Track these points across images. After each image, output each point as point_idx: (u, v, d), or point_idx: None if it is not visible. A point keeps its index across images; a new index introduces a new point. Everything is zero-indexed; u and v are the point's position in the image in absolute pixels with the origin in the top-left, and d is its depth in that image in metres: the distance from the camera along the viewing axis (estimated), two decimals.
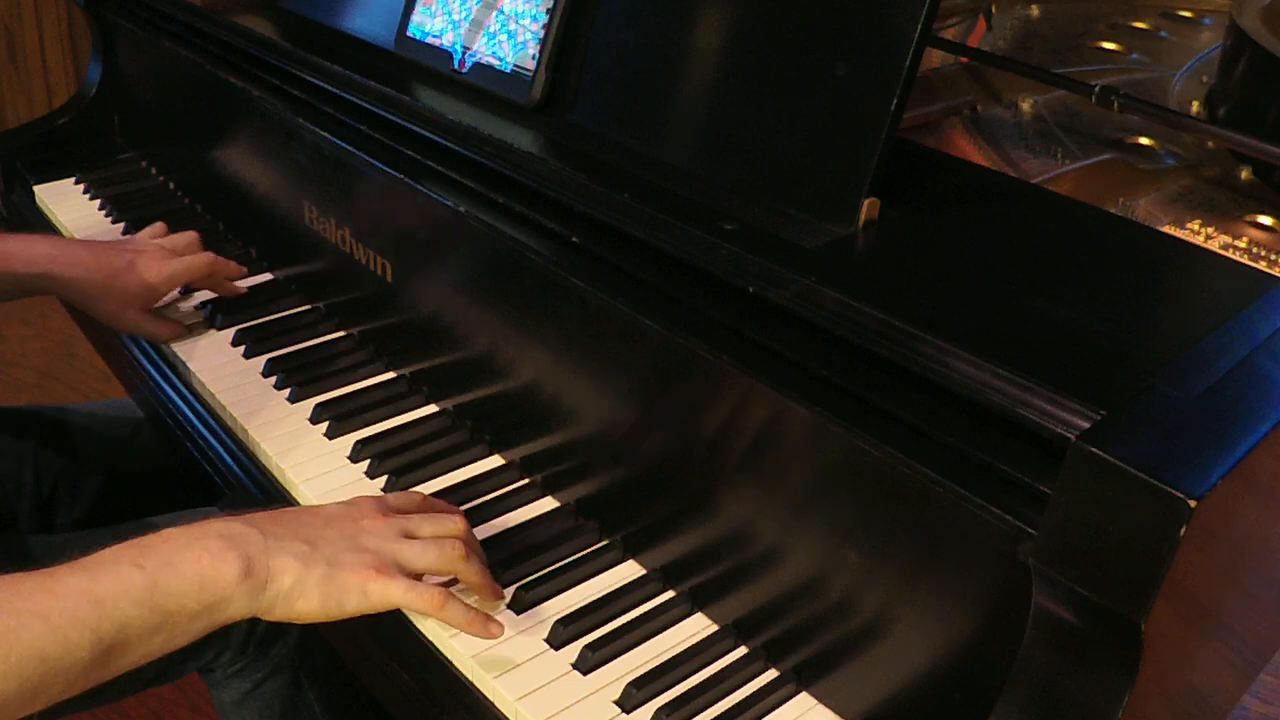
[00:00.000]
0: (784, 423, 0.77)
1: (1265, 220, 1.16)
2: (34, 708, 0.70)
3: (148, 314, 1.21)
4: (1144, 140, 1.32)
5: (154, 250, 1.22)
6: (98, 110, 1.65)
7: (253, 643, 1.11)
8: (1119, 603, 0.60)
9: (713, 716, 0.80)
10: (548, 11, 1.04)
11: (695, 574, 0.88)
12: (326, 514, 0.83)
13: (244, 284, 1.30)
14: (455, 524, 0.86)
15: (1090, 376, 0.68)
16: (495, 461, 1.03)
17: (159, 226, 1.32)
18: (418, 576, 0.83)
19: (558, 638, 0.84)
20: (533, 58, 1.05)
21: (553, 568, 0.91)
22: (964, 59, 1.45)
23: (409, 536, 0.83)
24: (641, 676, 0.82)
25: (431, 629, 0.86)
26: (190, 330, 1.23)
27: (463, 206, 1.00)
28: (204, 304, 1.26)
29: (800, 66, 0.88)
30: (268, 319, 1.24)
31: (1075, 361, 0.71)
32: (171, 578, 0.73)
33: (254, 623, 1.10)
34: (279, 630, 1.13)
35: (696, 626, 0.87)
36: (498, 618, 0.86)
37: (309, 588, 0.78)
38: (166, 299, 1.25)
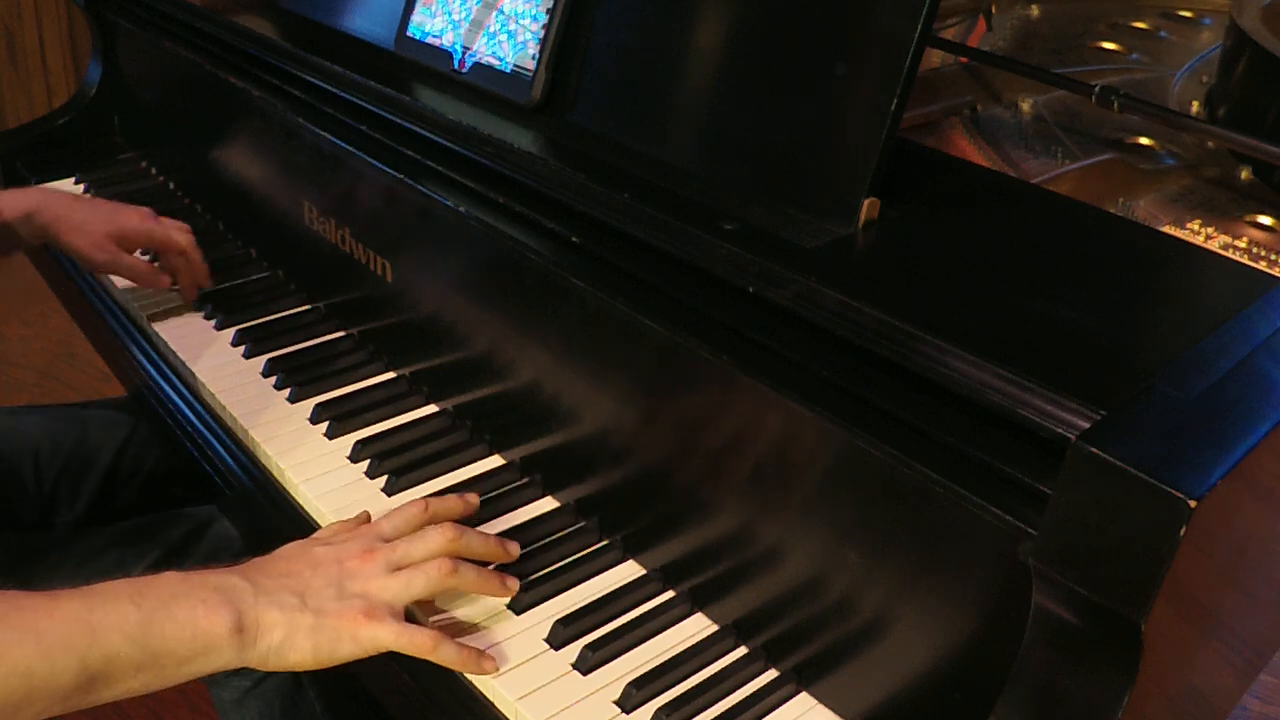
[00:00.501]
0: (784, 423, 0.77)
1: (1265, 220, 1.16)
2: None
3: (124, 253, 1.23)
4: (1144, 140, 1.32)
5: (139, 208, 1.26)
6: (98, 110, 1.65)
7: None
8: (1119, 603, 0.60)
9: (713, 716, 0.80)
10: (548, 11, 1.04)
11: (695, 574, 0.88)
12: (313, 559, 0.83)
13: (244, 284, 1.30)
14: (439, 539, 0.85)
15: (1090, 376, 0.68)
16: (495, 461, 1.03)
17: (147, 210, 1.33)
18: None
19: (558, 638, 0.84)
20: (533, 58, 1.05)
21: (552, 568, 0.91)
22: (964, 59, 1.45)
23: (400, 565, 0.83)
24: (641, 676, 0.82)
25: None
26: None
27: (463, 206, 1.00)
28: (205, 303, 1.26)
29: (800, 66, 0.88)
30: (268, 319, 1.24)
31: (1075, 361, 0.71)
32: (165, 621, 0.74)
33: None
34: None
35: (696, 626, 0.87)
36: (497, 618, 0.86)
37: (299, 640, 0.78)
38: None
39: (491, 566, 0.89)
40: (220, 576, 0.79)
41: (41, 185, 1.30)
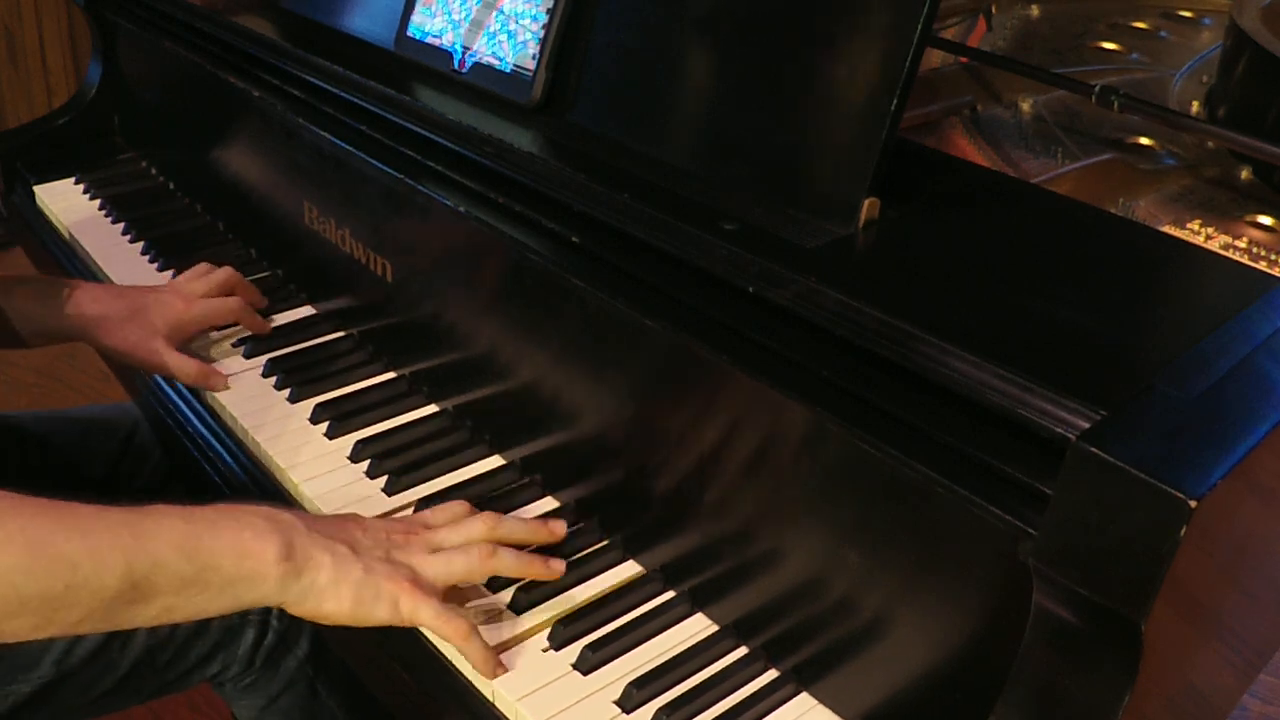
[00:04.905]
0: (784, 422, 0.77)
1: (1265, 220, 1.16)
2: (47, 629, 0.70)
3: (174, 351, 1.13)
4: (1144, 140, 1.32)
5: (179, 289, 1.18)
6: (98, 110, 1.65)
7: (260, 656, 1.10)
8: (1119, 603, 0.60)
9: (713, 717, 0.80)
10: (548, 11, 1.04)
11: (695, 574, 0.88)
12: (364, 524, 0.85)
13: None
14: (478, 526, 0.87)
15: (1090, 376, 0.68)
16: (495, 461, 1.03)
17: (202, 267, 1.23)
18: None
19: (558, 638, 0.84)
20: (533, 58, 1.05)
21: None
22: (964, 59, 1.45)
23: (439, 549, 0.85)
24: (642, 677, 0.82)
25: None
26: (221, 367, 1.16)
27: (463, 206, 1.00)
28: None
29: (800, 66, 0.88)
30: (268, 319, 1.24)
31: (1075, 361, 0.71)
32: (213, 538, 0.75)
33: (261, 635, 1.10)
34: (287, 645, 1.12)
35: (697, 627, 0.87)
36: (498, 622, 0.86)
37: (342, 589, 0.78)
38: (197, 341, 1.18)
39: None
40: (272, 510, 0.80)
41: (78, 280, 1.19)
